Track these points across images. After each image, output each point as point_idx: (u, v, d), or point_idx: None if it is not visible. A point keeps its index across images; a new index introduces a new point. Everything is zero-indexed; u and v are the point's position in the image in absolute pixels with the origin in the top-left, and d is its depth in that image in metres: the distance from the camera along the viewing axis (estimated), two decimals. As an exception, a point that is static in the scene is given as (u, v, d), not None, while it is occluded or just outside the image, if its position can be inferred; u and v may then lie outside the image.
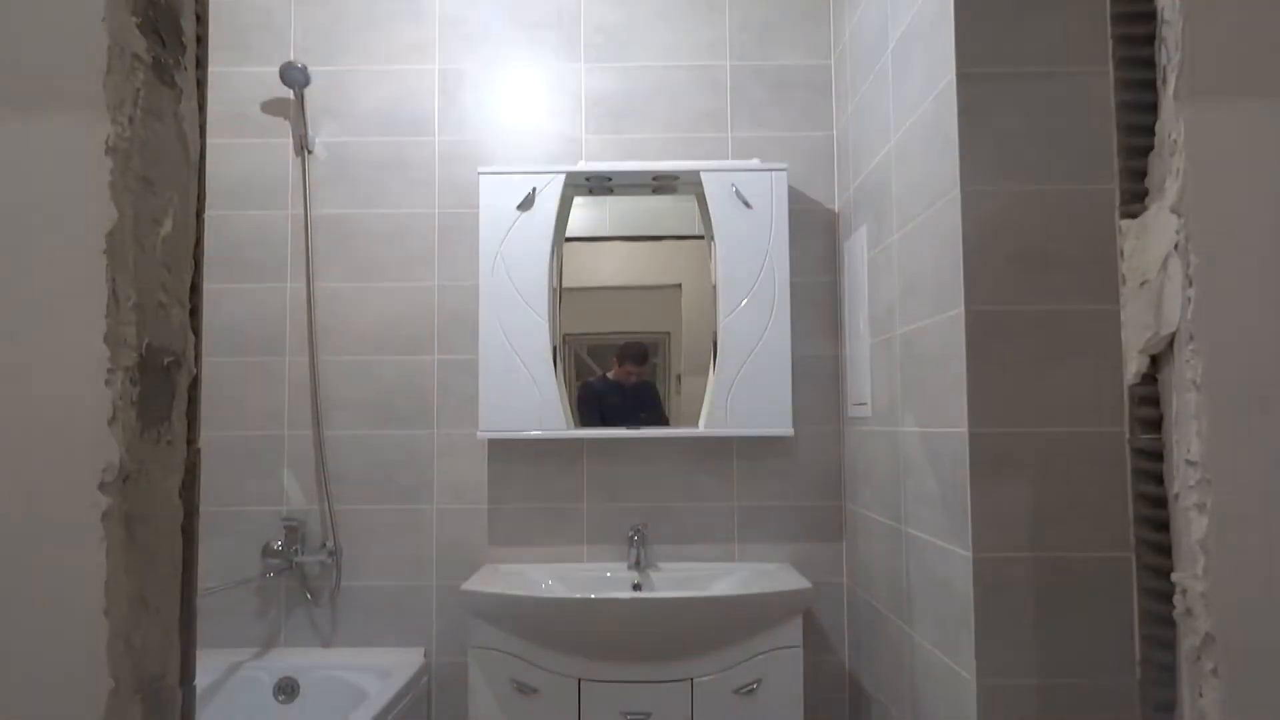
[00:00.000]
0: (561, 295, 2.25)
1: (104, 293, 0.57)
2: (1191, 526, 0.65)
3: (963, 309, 1.38)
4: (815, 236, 2.29)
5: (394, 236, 2.30)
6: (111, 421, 0.56)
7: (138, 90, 0.60)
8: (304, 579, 2.24)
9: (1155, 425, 0.70)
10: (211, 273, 2.17)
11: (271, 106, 2.32)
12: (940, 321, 1.49)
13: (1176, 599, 0.67)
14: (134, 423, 0.58)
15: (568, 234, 2.26)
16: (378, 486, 2.26)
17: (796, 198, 2.28)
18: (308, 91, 2.30)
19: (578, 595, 1.87)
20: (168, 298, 0.63)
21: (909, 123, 1.65)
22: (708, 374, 2.21)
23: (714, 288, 2.20)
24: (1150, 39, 0.70)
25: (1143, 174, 0.71)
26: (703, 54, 2.33)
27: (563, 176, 2.20)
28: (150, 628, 0.60)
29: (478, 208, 2.21)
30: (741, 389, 2.15)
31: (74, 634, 0.56)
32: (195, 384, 0.66)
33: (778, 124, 2.32)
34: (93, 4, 0.57)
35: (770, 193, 2.18)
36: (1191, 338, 0.64)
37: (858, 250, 2.05)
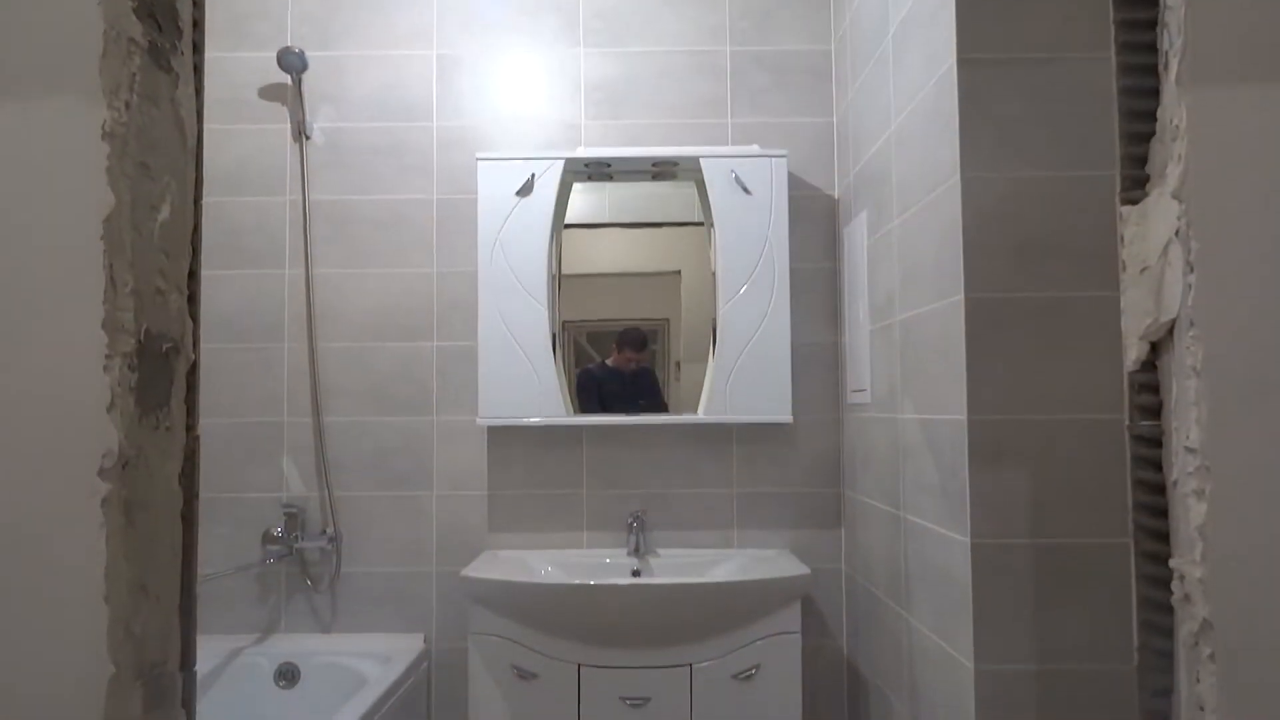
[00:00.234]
0: (560, 282, 2.25)
1: (102, 279, 0.56)
2: (1190, 513, 0.65)
3: (963, 295, 1.38)
4: (815, 223, 2.29)
5: (392, 223, 2.30)
6: (110, 408, 0.56)
7: (134, 75, 0.59)
8: (304, 565, 2.25)
9: (1155, 412, 0.70)
10: (209, 259, 2.17)
11: (269, 92, 2.31)
12: (940, 308, 1.48)
13: (1175, 585, 0.67)
14: (133, 409, 0.58)
15: (567, 220, 2.26)
16: (377, 473, 2.26)
17: (796, 184, 2.27)
18: (305, 77, 2.28)
19: (577, 581, 1.87)
20: (166, 284, 0.62)
21: (909, 108, 1.65)
22: (707, 361, 2.21)
23: (713, 274, 2.19)
24: (1152, 24, 0.69)
25: (1144, 160, 0.70)
26: (703, 39, 2.32)
27: (562, 162, 2.19)
28: (150, 614, 0.60)
29: (476, 194, 2.20)
30: (741, 376, 2.15)
31: (74, 620, 0.56)
32: (194, 370, 0.66)
33: (778, 110, 2.31)
34: (87, -13, 0.57)
35: (770, 179, 2.17)
36: (1192, 324, 0.64)
37: (858, 237, 2.04)
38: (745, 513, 2.25)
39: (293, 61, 2.23)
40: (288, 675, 2.12)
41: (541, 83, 2.33)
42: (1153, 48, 0.69)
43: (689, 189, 2.27)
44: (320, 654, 2.14)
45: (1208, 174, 0.64)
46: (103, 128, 0.57)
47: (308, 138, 2.29)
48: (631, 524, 2.18)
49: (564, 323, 2.25)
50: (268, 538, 2.20)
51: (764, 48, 2.32)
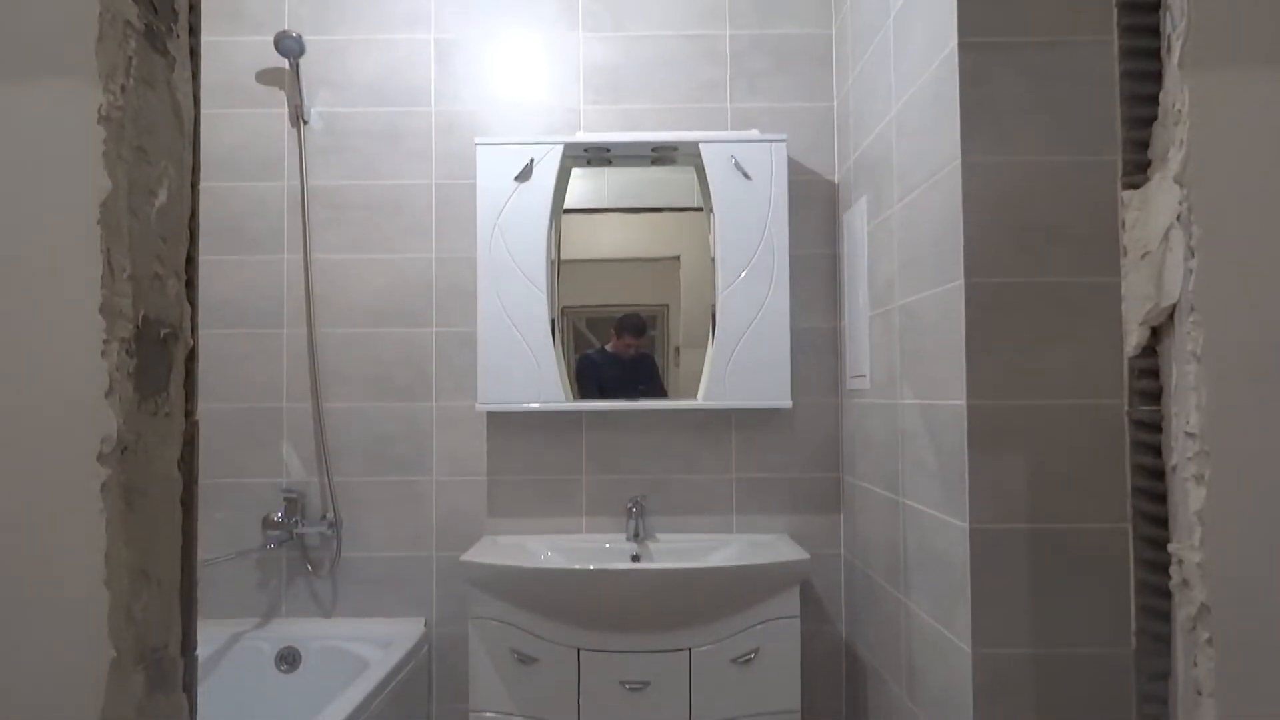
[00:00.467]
0: (560, 267, 2.24)
1: (99, 264, 0.56)
2: (1189, 498, 0.65)
3: (962, 281, 1.38)
4: (815, 208, 2.28)
5: (391, 208, 2.29)
6: (108, 393, 0.56)
7: (130, 58, 0.59)
8: (304, 550, 2.26)
9: (1154, 397, 0.70)
10: (207, 245, 2.16)
11: (266, 76, 2.30)
12: (940, 293, 1.48)
13: (1173, 570, 0.67)
14: (131, 394, 0.58)
15: (566, 205, 2.25)
16: (377, 458, 2.26)
17: (796, 169, 2.27)
18: (303, 61, 2.27)
19: (577, 566, 1.88)
20: (164, 269, 0.62)
21: (910, 93, 1.64)
22: (706, 346, 2.21)
23: (713, 260, 2.19)
24: (1155, 7, 0.69)
25: (1146, 144, 0.70)
26: (703, 23, 2.31)
27: (561, 147, 2.18)
28: (151, 598, 0.60)
29: (475, 179, 2.19)
30: (740, 361, 2.15)
31: (75, 605, 0.56)
32: (192, 356, 0.66)
33: (778, 94, 2.30)
34: (82, -31, 0.56)
35: (770, 164, 2.16)
36: (1193, 309, 0.64)
37: (857, 222, 2.03)
38: (744, 498, 2.25)
39: (290, 46, 2.22)
40: (288, 659, 2.13)
41: (540, 67, 2.31)
42: (1155, 31, 0.69)
43: (688, 174, 2.26)
44: (321, 638, 2.15)
45: (1210, 158, 0.64)
46: (99, 112, 0.56)
47: (306, 122, 2.28)
48: (631, 509, 2.19)
49: (563, 308, 2.24)
50: (268, 523, 2.20)
51: (764, 31, 2.30)
